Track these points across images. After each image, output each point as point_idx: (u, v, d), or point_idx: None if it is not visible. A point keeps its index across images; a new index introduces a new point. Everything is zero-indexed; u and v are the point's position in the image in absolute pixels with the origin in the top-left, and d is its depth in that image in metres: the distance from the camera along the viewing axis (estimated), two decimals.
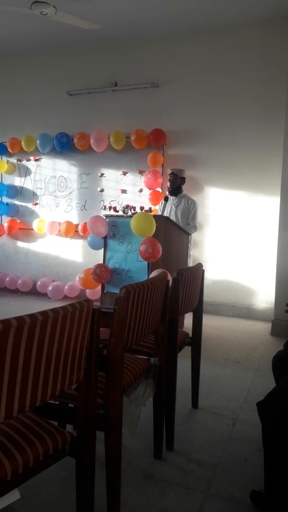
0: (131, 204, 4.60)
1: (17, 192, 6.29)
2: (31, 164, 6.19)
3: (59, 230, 5.87)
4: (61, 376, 1.19)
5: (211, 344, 3.83)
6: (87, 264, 5.50)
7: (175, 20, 4.96)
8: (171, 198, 4.86)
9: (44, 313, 1.08)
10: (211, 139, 5.19)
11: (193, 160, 5.27)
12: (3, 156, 6.29)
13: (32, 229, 6.04)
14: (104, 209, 5.36)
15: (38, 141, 5.86)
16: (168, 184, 4.90)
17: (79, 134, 5.66)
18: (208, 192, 5.24)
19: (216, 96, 5.15)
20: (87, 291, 5.33)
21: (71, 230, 5.78)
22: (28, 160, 6.18)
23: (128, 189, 5.60)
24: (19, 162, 6.25)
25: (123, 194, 5.63)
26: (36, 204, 6.16)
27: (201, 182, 5.25)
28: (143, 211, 4.03)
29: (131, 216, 3.86)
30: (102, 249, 4.33)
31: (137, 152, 5.46)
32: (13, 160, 6.27)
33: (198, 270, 2.42)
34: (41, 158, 6.11)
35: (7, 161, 6.26)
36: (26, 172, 6.23)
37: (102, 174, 5.75)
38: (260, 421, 1.45)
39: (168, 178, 4.93)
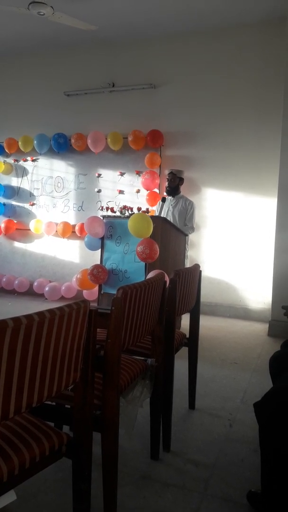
0: (128, 204, 4.60)
1: (14, 192, 6.28)
2: (28, 165, 6.18)
3: (56, 231, 5.86)
4: (57, 377, 1.19)
5: (208, 345, 3.83)
6: (84, 265, 5.50)
7: (172, 21, 4.97)
8: (168, 198, 4.87)
9: (40, 313, 1.08)
10: (209, 140, 5.20)
11: (191, 161, 5.28)
12: (0, 156, 6.28)
13: (29, 229, 6.03)
14: (101, 209, 5.35)
15: (35, 142, 5.86)
16: (166, 183, 4.91)
17: (77, 134, 5.66)
18: (205, 193, 5.25)
19: (214, 97, 5.16)
20: (84, 291, 5.33)
21: (68, 231, 5.77)
22: (25, 160, 6.17)
23: (126, 190, 5.60)
24: (16, 163, 6.24)
25: (120, 194, 5.62)
26: (33, 204, 6.15)
27: (199, 183, 5.26)
28: (140, 211, 4.03)
29: (128, 217, 3.86)
30: (99, 249, 4.32)
31: (135, 153, 5.46)
32: (10, 160, 6.26)
33: (195, 271, 2.42)
34: (38, 159, 6.10)
35: (4, 161, 6.25)
36: (23, 172, 6.22)
37: (99, 175, 5.75)
38: (257, 422, 1.45)
39: (167, 177, 4.94)
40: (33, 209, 6.16)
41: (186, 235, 4.57)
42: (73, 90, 5.84)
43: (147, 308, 1.72)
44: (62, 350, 1.18)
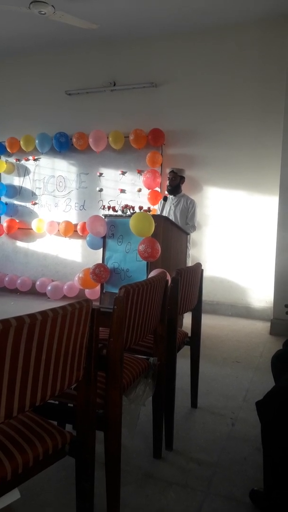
0: (130, 203, 4.60)
1: (16, 191, 6.29)
2: (30, 164, 6.19)
3: (58, 230, 5.87)
4: (60, 376, 1.19)
5: (210, 344, 3.83)
6: (86, 264, 5.50)
7: (173, 20, 4.96)
8: (170, 197, 4.86)
9: (43, 313, 1.08)
10: (210, 138, 5.20)
11: (192, 159, 5.27)
12: (2, 156, 6.29)
13: (31, 229, 6.04)
14: (103, 208, 5.35)
15: (37, 141, 5.86)
16: (167, 182, 4.91)
17: (78, 133, 5.66)
18: (207, 191, 5.24)
19: (215, 96, 5.15)
20: (86, 290, 5.33)
21: (70, 230, 5.78)
22: (27, 159, 6.17)
23: (127, 189, 5.60)
24: (18, 162, 6.25)
25: (122, 193, 5.63)
26: (35, 203, 6.16)
27: (200, 182, 5.25)
28: (142, 210, 4.03)
29: (130, 216, 3.86)
30: (101, 248, 4.33)
31: (136, 152, 5.46)
32: (12, 159, 6.26)
33: (197, 270, 2.42)
34: (40, 158, 6.10)
35: (6, 161, 6.25)
36: (25, 171, 6.23)
37: (101, 174, 5.75)
38: (259, 420, 1.46)
39: (168, 176, 4.93)
40: (35, 208, 6.16)
41: (188, 234, 4.58)
42: (75, 89, 5.84)
43: (149, 307, 1.72)
44: (65, 349, 1.19)
